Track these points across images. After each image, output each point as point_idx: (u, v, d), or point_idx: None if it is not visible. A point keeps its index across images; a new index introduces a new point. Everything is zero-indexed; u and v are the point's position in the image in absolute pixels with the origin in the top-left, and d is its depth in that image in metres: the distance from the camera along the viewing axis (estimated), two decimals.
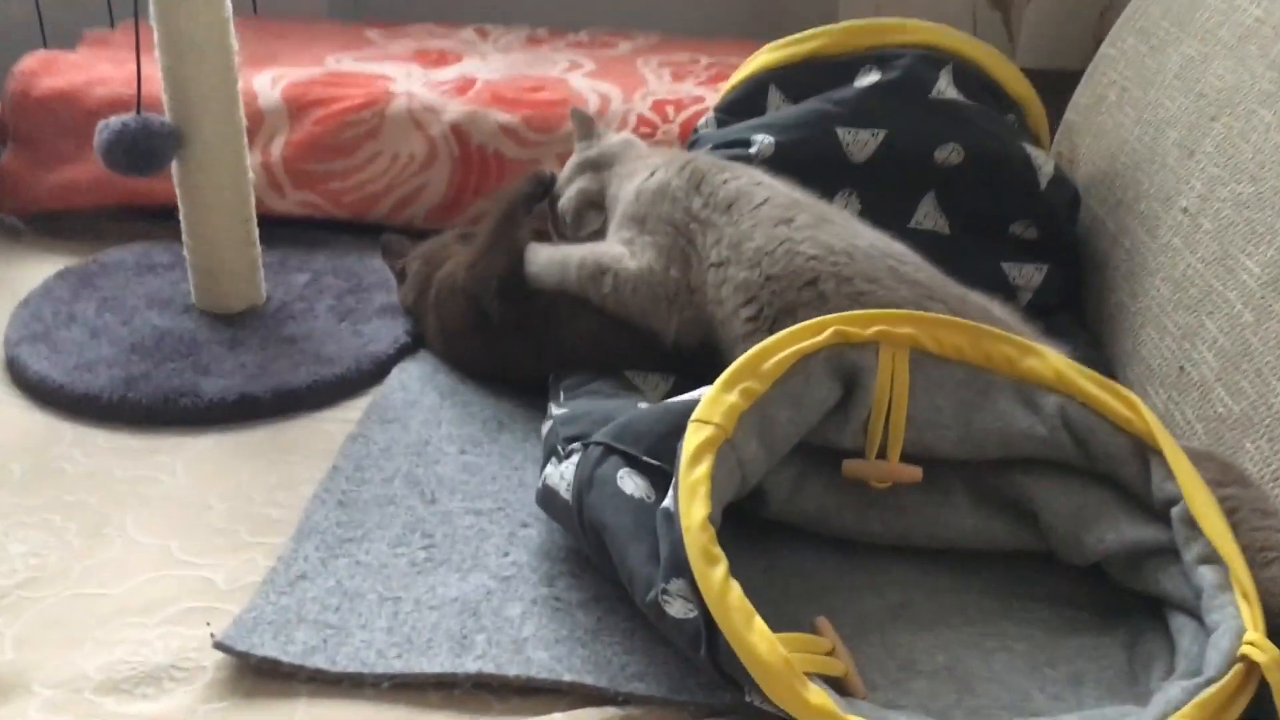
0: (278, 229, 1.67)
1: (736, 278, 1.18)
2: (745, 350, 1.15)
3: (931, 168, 1.39)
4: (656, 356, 1.26)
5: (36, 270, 1.60)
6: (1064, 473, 1.04)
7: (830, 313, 1.12)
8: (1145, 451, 1.00)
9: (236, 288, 1.47)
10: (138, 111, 1.34)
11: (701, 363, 1.23)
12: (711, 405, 0.97)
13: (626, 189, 1.31)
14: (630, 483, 1.00)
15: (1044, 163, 1.40)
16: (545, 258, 1.30)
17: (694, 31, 2.08)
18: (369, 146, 1.68)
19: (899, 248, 1.20)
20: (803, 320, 1.13)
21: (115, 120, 1.33)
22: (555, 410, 1.18)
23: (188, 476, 1.22)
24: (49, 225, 1.75)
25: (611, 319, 1.26)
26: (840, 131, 1.39)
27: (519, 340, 1.30)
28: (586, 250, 1.28)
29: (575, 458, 1.05)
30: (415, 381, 1.37)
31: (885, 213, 1.39)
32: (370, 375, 1.39)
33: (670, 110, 1.68)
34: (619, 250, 1.26)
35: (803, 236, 1.17)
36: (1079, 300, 1.46)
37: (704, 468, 0.93)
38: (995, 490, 1.06)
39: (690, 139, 1.52)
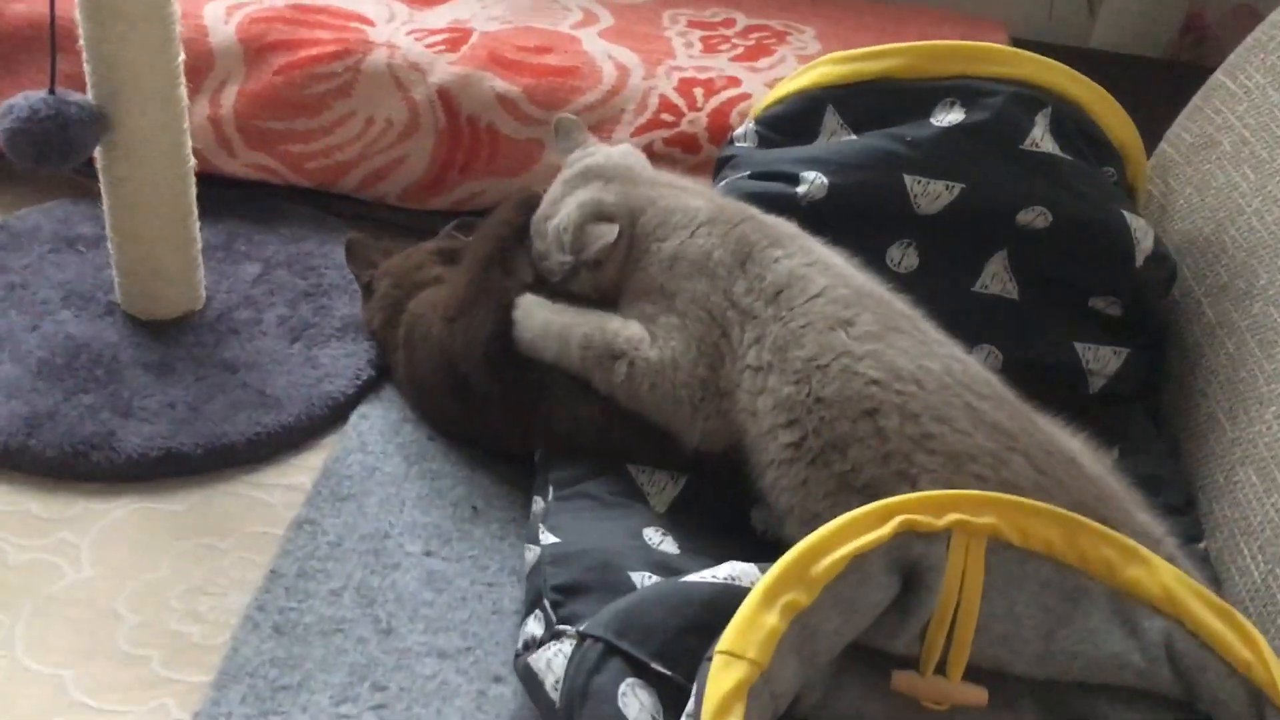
0: (226, 195, 1.43)
1: (779, 391, 0.96)
2: (785, 479, 0.97)
3: (1011, 228, 1.17)
4: (668, 454, 1.05)
5: None
6: (1160, 707, 0.86)
7: (889, 454, 0.92)
8: (1263, 705, 0.82)
9: (170, 292, 1.23)
10: (51, 90, 1.07)
11: (721, 467, 1.03)
12: (746, 631, 0.77)
13: (664, 242, 1.07)
14: (635, 702, 0.80)
15: (1144, 235, 1.18)
16: (541, 323, 1.07)
17: None
18: (339, 106, 1.41)
19: (976, 370, 0.99)
20: (854, 459, 0.93)
21: (23, 102, 1.06)
22: (543, 533, 0.98)
23: (95, 565, 1.01)
24: None
25: (619, 408, 1.04)
26: (909, 180, 1.15)
27: (504, 415, 1.09)
28: (595, 325, 1.05)
29: (567, 646, 0.85)
30: (377, 437, 1.15)
31: (948, 271, 1.20)
32: (324, 422, 1.17)
33: (699, 94, 1.42)
34: (636, 331, 1.04)
35: (864, 350, 0.95)
36: (1157, 389, 1.26)
37: None
38: (1073, 712, 0.88)
39: (723, 153, 1.27)
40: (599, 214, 1.09)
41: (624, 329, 1.04)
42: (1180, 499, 1.13)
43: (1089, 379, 1.21)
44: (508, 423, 1.10)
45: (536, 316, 1.07)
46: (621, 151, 1.18)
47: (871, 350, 0.96)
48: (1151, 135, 1.42)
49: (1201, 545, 1.09)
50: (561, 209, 1.11)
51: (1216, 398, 1.15)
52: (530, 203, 1.14)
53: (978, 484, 0.92)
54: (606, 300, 1.09)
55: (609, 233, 1.06)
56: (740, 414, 1.00)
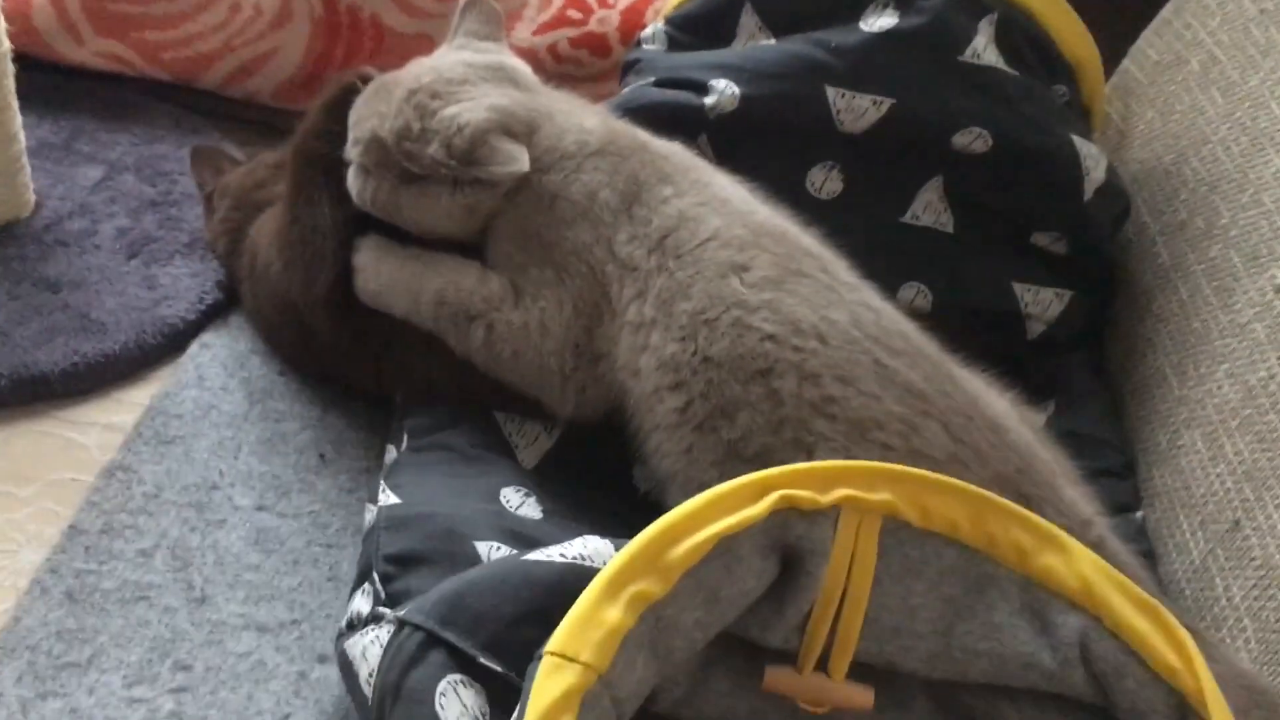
0: (71, 86, 1.27)
1: (663, 349, 0.83)
2: (669, 444, 0.84)
3: (946, 152, 1.03)
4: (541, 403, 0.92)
5: None
6: (1070, 712, 0.75)
7: (783, 419, 0.80)
8: (1188, 715, 0.71)
9: None
10: None
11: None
12: (580, 630, 0.64)
13: (546, 174, 0.90)
14: (456, 704, 0.68)
15: (1095, 165, 1.05)
16: (388, 275, 0.91)
17: None
18: None
19: (891, 319, 0.86)
20: (743, 425, 0.80)
21: None
22: (384, 491, 0.85)
23: None
24: None
25: None
26: (831, 92, 1.02)
27: (354, 362, 0.95)
28: (450, 278, 0.90)
29: (385, 633, 0.72)
30: (218, 370, 1.02)
31: (875, 199, 1.08)
32: (158, 352, 1.03)
33: None
34: (496, 288, 0.89)
35: (759, 300, 0.82)
36: (1100, 336, 1.14)
37: None
38: (972, 712, 0.77)
39: (628, 56, 1.12)
40: (509, 130, 0.91)
41: (482, 285, 0.89)
42: (1119, 463, 1.02)
43: (1027, 323, 1.09)
44: (358, 370, 0.96)
45: (383, 266, 0.91)
46: (513, 64, 1.02)
47: (767, 300, 0.82)
48: (1119, 52, 1.28)
49: (1138, 515, 0.98)
50: (464, 99, 0.92)
51: (1165, 350, 1.03)
52: (350, 96, 0.94)
53: (883, 454, 0.80)
54: (462, 231, 0.93)
55: (520, 159, 0.88)
56: (620, 373, 0.86)
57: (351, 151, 0.92)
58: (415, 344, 0.91)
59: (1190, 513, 0.92)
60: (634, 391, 0.86)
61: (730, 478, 0.72)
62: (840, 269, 0.88)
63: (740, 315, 0.81)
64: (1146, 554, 0.93)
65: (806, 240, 0.89)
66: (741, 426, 0.81)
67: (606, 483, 0.93)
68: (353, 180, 0.92)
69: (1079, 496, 0.87)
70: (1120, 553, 0.85)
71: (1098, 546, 0.83)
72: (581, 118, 0.95)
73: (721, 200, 0.88)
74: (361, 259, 0.92)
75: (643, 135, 0.95)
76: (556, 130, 0.93)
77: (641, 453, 0.89)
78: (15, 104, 1.06)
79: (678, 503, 0.70)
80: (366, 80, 0.96)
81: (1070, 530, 0.78)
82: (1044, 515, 0.80)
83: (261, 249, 0.98)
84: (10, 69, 1.05)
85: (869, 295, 0.87)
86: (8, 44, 1.03)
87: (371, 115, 0.92)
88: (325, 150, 0.93)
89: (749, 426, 0.81)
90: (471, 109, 0.91)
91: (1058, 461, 0.88)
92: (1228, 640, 0.84)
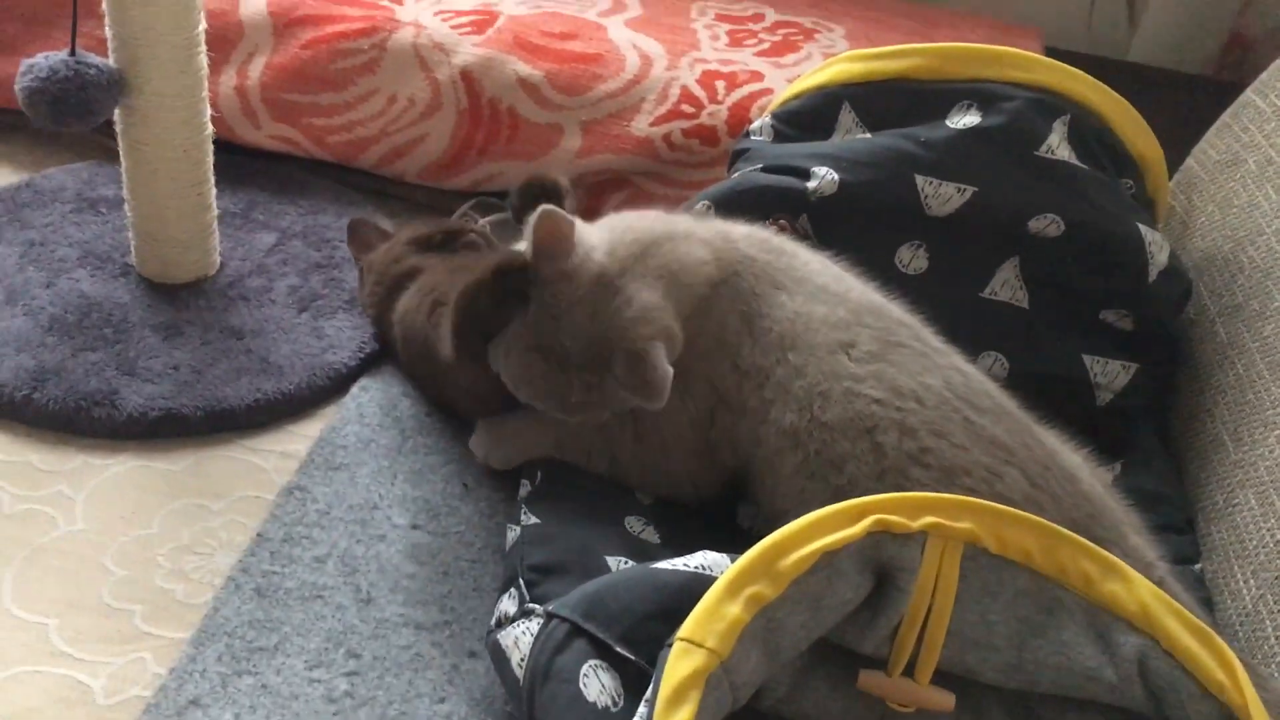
0: (249, 164, 1.45)
1: (782, 420, 0.95)
2: (783, 490, 0.96)
3: (1023, 235, 1.15)
4: None
5: None
6: None
7: (885, 470, 0.92)
8: None
9: (184, 257, 1.24)
10: (71, 52, 1.09)
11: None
12: (706, 621, 0.76)
13: (692, 320, 0.98)
14: (596, 683, 0.80)
15: (1159, 250, 1.15)
16: (507, 446, 1.06)
17: None
18: (364, 82, 1.43)
19: (977, 381, 0.98)
20: (850, 474, 0.92)
21: (43, 62, 1.08)
22: (525, 514, 0.98)
23: (87, 519, 1.03)
24: None
25: None
26: (920, 179, 1.14)
27: (490, 405, 1.09)
28: (564, 429, 1.02)
29: (534, 625, 0.85)
30: (375, 409, 1.16)
31: (957, 275, 1.18)
32: (325, 393, 1.18)
33: (721, 87, 1.41)
34: (614, 425, 1.01)
35: (865, 372, 0.94)
36: (1164, 405, 1.24)
37: (688, 709, 0.74)
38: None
39: (738, 146, 1.26)
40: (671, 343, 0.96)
41: (601, 426, 1.00)
42: (1180, 519, 1.11)
43: (1096, 392, 1.19)
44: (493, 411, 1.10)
45: (499, 443, 1.07)
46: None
47: (873, 371, 0.94)
48: (1185, 152, 1.39)
49: (1197, 567, 1.07)
50: (632, 330, 0.93)
51: (1223, 418, 1.13)
52: (512, 267, 0.96)
53: (969, 497, 0.91)
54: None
55: (667, 376, 0.92)
56: (740, 447, 0.99)
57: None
58: None
59: (1244, 563, 1.01)
60: (754, 456, 0.98)
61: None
62: (930, 335, 1.00)
63: (850, 385, 0.94)
64: (1205, 601, 1.02)
65: (898, 311, 1.02)
66: (849, 475, 0.92)
67: (714, 520, 1.06)
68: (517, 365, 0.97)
69: (1143, 543, 0.97)
70: (1179, 594, 0.95)
71: (1159, 586, 0.93)
72: (696, 251, 1.01)
73: (821, 287, 1.00)
74: (477, 442, 1.06)
75: (743, 245, 1.03)
76: (686, 281, 0.99)
77: (752, 496, 1.01)
78: (211, 179, 1.23)
79: None
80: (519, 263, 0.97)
81: (1135, 570, 0.89)
82: (1112, 555, 0.91)
83: (409, 325, 1.12)
84: (210, 149, 1.22)
85: (957, 359, 0.99)
86: (211, 128, 1.21)
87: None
88: (477, 308, 0.96)
89: (855, 475, 0.92)
90: (643, 334, 0.94)
91: (1124, 512, 0.98)
92: (1276, 675, 0.93)
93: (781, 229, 1.12)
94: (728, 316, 0.99)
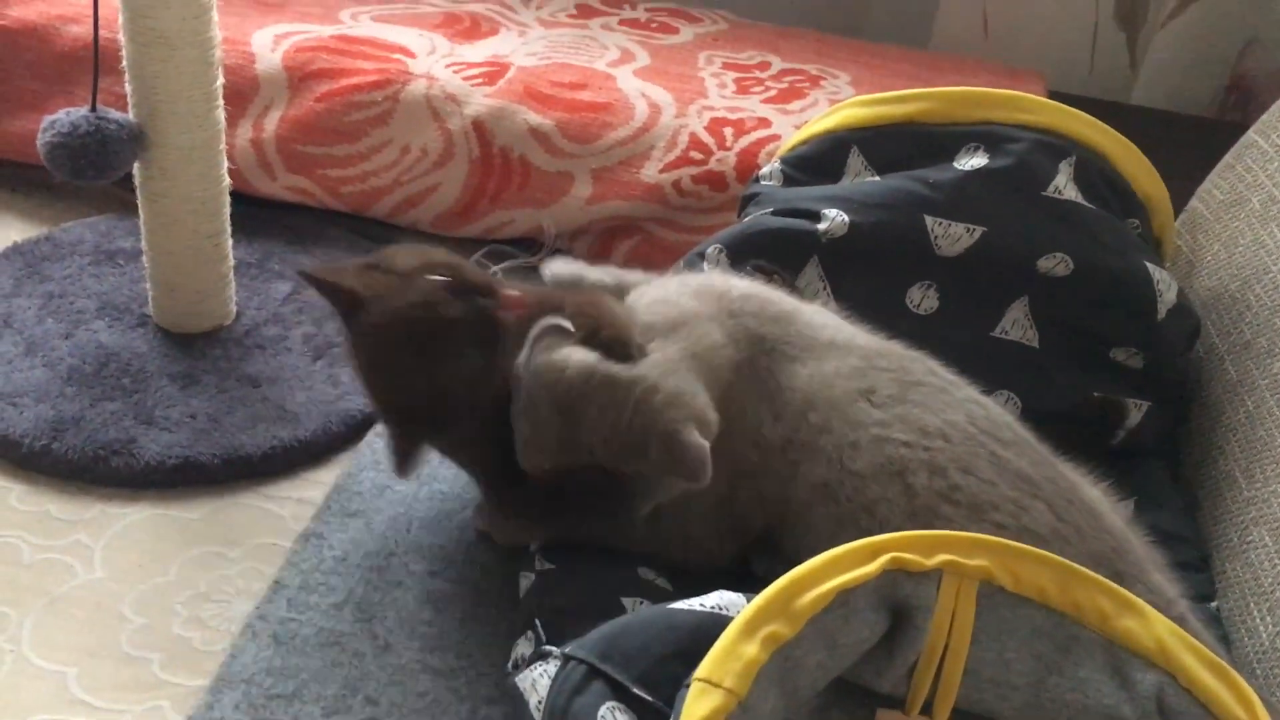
0: (264, 215, 1.47)
1: (811, 474, 0.95)
2: (811, 537, 0.96)
3: (1032, 274, 1.16)
4: None
5: None
6: None
7: (915, 510, 0.92)
8: None
9: (201, 307, 1.26)
10: (92, 108, 1.11)
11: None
12: (723, 660, 0.77)
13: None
14: None
15: (1167, 288, 1.16)
16: (518, 533, 1.04)
17: (764, 14, 1.81)
18: (377, 133, 1.45)
19: (997, 414, 0.99)
20: (881, 516, 0.93)
21: (64, 118, 1.10)
22: (539, 560, 0.98)
23: (106, 567, 1.03)
24: (14, 172, 1.53)
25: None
26: (930, 221, 1.15)
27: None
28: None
29: (552, 668, 0.85)
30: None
31: (968, 315, 1.19)
32: (340, 439, 1.19)
33: (729, 134, 1.44)
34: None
35: (890, 416, 0.95)
36: (1176, 444, 1.24)
37: None
38: None
39: (748, 191, 1.28)
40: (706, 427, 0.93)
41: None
42: (1195, 556, 1.11)
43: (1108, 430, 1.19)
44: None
45: (512, 531, 1.05)
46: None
47: (898, 414, 0.95)
48: (1188, 193, 1.41)
49: (1214, 604, 1.07)
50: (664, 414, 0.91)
51: (1234, 455, 1.13)
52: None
53: (997, 531, 0.91)
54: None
55: (704, 451, 0.90)
56: (767, 507, 0.98)
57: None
58: None
59: (1259, 600, 1.01)
60: (784, 513, 0.97)
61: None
62: (941, 369, 1.01)
63: (878, 431, 0.94)
64: (1222, 639, 1.02)
65: (906, 350, 1.03)
66: (880, 517, 0.92)
67: (728, 570, 1.05)
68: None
69: (1165, 580, 0.97)
70: (1200, 631, 0.94)
71: (1180, 623, 0.93)
72: (713, 333, 1.00)
73: (828, 342, 1.00)
74: (493, 531, 1.06)
75: (749, 321, 1.01)
76: (714, 365, 0.98)
77: (779, 548, 1.01)
78: (229, 229, 1.25)
79: None
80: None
81: (1156, 607, 0.89)
82: (1134, 591, 0.91)
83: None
84: (227, 201, 1.24)
85: (972, 391, 1.00)
86: (228, 180, 1.23)
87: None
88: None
89: (886, 516, 0.92)
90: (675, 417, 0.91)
91: (1146, 548, 0.98)
92: None
93: (770, 279, 1.12)
94: (748, 399, 0.98)
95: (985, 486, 0.92)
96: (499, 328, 0.92)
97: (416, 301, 0.91)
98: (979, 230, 1.15)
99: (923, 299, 1.19)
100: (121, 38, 1.12)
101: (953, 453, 0.93)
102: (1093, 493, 0.99)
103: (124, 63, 1.13)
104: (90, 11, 1.16)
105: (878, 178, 1.20)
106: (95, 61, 1.10)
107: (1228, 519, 1.11)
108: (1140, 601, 0.84)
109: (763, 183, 1.27)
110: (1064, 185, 1.16)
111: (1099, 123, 1.18)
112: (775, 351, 1.01)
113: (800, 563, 0.97)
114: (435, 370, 0.91)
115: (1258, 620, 1.00)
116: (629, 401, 0.91)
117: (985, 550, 0.84)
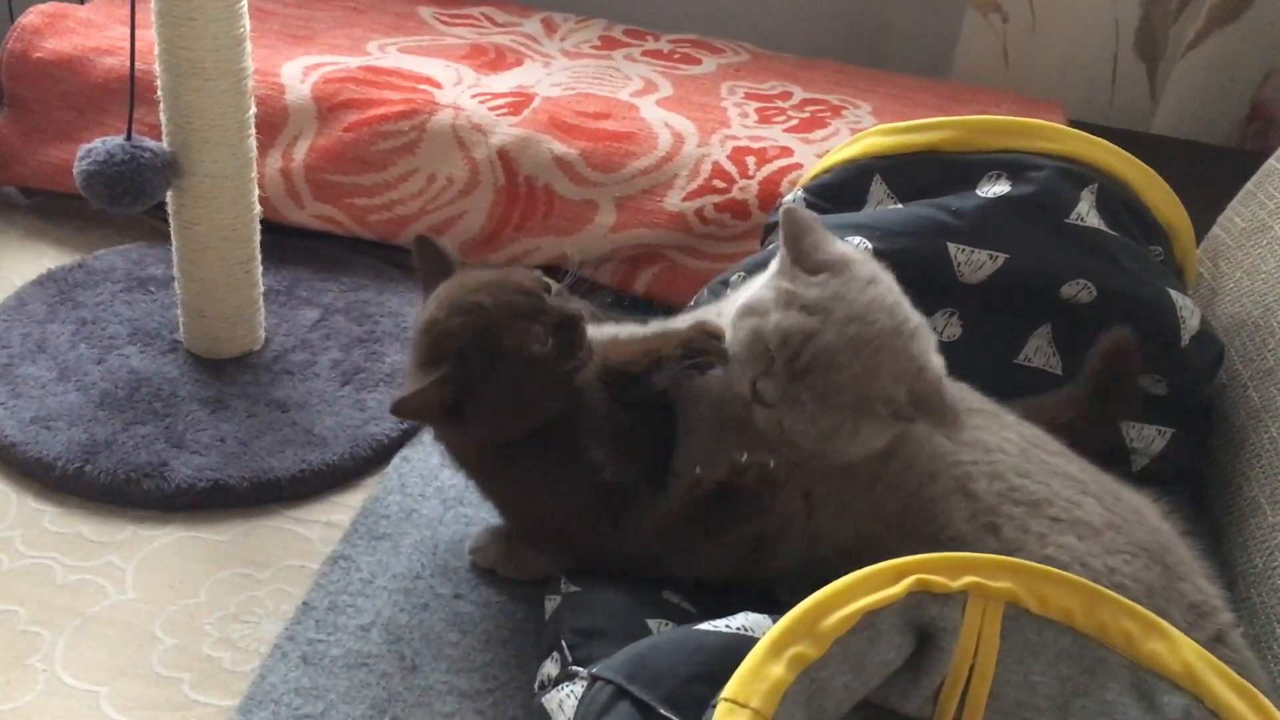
0: (293, 243, 1.49)
1: (886, 507, 0.97)
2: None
3: (1055, 301, 1.17)
4: None
5: (21, 260, 1.43)
6: None
7: (978, 511, 0.95)
8: None
9: (231, 332, 1.28)
10: (128, 137, 1.14)
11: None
12: (750, 681, 0.77)
13: None
14: None
15: (1190, 315, 1.17)
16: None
17: (786, 45, 1.83)
18: (404, 163, 1.47)
19: (1040, 432, 1.02)
20: (942, 523, 0.95)
21: (100, 147, 1.13)
22: (565, 583, 0.99)
23: (137, 589, 1.05)
24: (49, 202, 1.56)
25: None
26: (953, 248, 1.16)
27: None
28: None
29: (579, 688, 0.86)
30: (417, 479, 1.18)
31: (990, 342, 1.19)
32: (367, 463, 1.20)
33: (751, 162, 1.45)
34: None
35: (961, 443, 0.98)
36: (1200, 470, 1.24)
37: None
38: None
39: (770, 219, 1.29)
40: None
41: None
42: (1220, 583, 1.11)
43: (1132, 457, 1.19)
44: None
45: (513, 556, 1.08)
46: None
47: (967, 440, 0.97)
48: (1210, 221, 1.41)
49: (1238, 630, 1.07)
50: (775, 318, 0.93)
51: (1259, 482, 1.13)
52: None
53: (1054, 525, 0.94)
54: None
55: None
56: (840, 534, 0.99)
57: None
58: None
59: (1279, 610, 1.01)
60: (854, 546, 0.97)
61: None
62: (979, 396, 1.03)
63: (951, 458, 0.96)
64: (1246, 665, 1.02)
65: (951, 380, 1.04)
66: (939, 519, 0.95)
67: (751, 595, 1.06)
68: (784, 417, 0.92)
69: (1215, 591, 0.98)
70: (1242, 647, 0.95)
71: (1229, 629, 0.94)
72: None
73: None
74: (482, 549, 1.08)
75: None
76: None
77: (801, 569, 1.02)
78: (259, 257, 1.27)
79: None
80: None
81: (1204, 610, 0.92)
82: (1182, 591, 0.93)
83: None
84: (257, 229, 1.26)
85: (1011, 415, 1.03)
86: (259, 208, 1.25)
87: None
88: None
89: (945, 522, 0.95)
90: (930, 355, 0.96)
91: (1194, 556, 0.99)
92: None
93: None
94: None
95: (1039, 486, 0.95)
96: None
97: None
98: (1002, 257, 1.15)
99: (945, 326, 1.19)
100: (157, 68, 1.14)
101: (1011, 462, 0.96)
102: (1137, 497, 1.01)
103: (158, 93, 1.16)
104: (124, 43, 1.20)
105: (900, 205, 1.21)
106: (131, 90, 1.13)
107: (1253, 545, 1.10)
108: (1165, 624, 0.84)
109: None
110: (1086, 213, 1.17)
111: (1121, 150, 1.19)
112: None
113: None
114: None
115: None
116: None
117: (1010, 572, 0.84)
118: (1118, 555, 0.93)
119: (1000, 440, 0.98)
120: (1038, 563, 0.84)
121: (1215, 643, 0.93)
